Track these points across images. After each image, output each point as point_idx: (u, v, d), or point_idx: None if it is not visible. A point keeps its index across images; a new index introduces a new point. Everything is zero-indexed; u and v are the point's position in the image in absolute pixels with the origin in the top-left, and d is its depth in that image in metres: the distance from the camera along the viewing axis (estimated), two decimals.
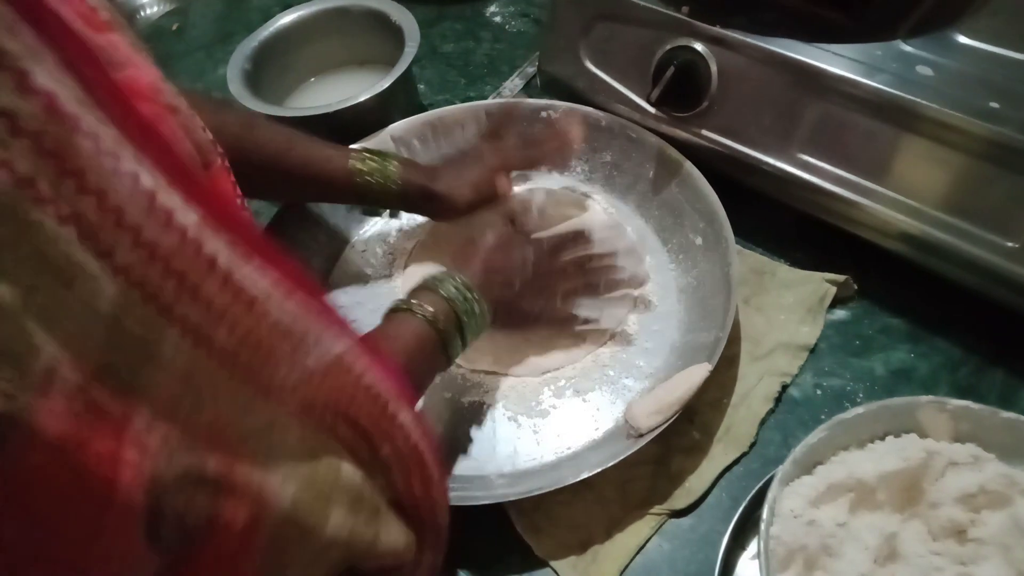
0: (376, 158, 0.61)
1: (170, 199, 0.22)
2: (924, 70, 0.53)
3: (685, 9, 0.60)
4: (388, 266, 0.69)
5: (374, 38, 0.81)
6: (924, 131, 0.51)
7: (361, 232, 0.72)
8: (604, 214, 0.69)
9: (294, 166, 0.59)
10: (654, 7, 0.61)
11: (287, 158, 0.59)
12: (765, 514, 0.44)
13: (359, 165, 0.60)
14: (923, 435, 0.47)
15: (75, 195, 0.19)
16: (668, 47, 0.60)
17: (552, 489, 0.48)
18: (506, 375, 0.59)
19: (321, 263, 0.69)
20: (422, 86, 0.85)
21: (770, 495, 0.44)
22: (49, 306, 0.19)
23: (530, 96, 0.81)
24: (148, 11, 1.34)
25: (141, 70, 0.31)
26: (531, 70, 0.83)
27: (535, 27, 0.90)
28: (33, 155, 0.18)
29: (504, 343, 0.60)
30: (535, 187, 0.71)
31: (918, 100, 0.51)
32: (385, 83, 0.72)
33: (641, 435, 0.50)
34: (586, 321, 0.60)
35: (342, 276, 0.69)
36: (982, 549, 0.44)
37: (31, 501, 0.19)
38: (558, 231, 0.61)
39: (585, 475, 0.48)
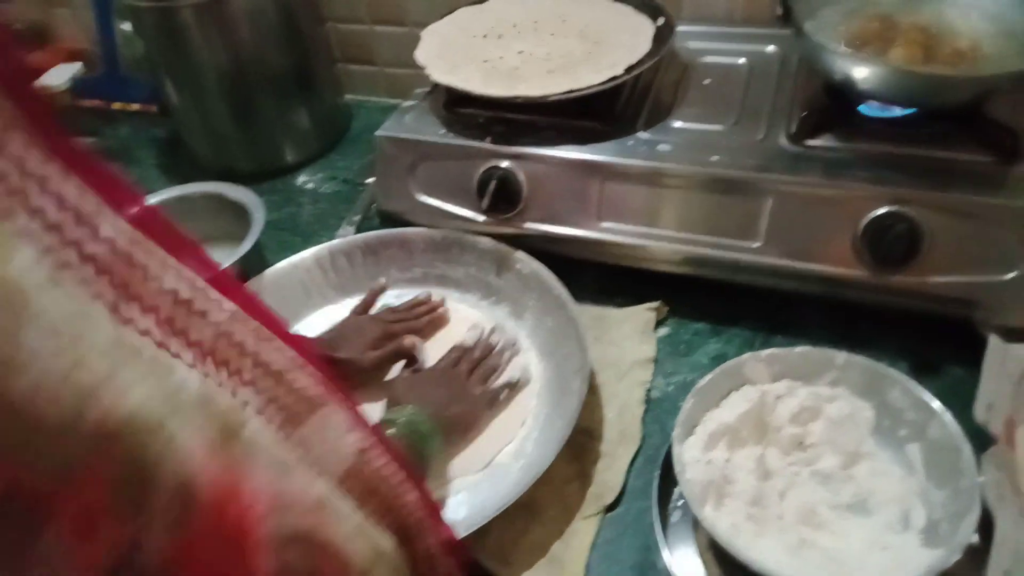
0: None
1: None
2: (664, 147, 0.75)
3: (488, 139, 0.78)
4: None
5: (213, 217, 0.89)
6: (678, 184, 0.73)
7: None
8: (465, 313, 0.82)
9: None
10: (463, 144, 0.79)
11: None
12: (677, 467, 0.58)
13: None
14: (753, 383, 0.65)
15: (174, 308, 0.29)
16: (483, 169, 0.78)
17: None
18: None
19: None
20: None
21: (675, 452, 0.59)
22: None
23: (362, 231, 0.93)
24: None
25: None
26: (357, 218, 0.96)
27: (346, 185, 1.04)
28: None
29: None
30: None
31: (667, 165, 0.73)
32: (243, 249, 0.81)
33: None
34: (508, 386, 0.73)
35: None
36: (817, 449, 0.62)
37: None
38: (446, 355, 0.74)
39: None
